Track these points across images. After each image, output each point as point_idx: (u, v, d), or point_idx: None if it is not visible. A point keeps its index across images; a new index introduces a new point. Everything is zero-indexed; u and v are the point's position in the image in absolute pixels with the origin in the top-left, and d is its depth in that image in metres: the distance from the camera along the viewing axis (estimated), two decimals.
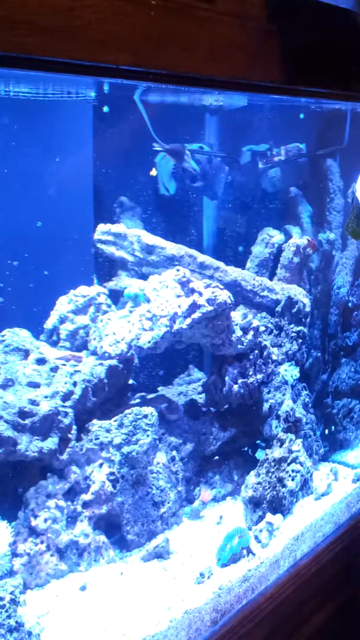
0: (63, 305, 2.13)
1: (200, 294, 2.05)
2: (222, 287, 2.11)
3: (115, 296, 2.24)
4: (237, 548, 1.77)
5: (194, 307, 2.02)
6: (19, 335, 1.93)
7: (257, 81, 1.44)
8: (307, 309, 2.44)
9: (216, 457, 2.19)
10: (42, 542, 1.67)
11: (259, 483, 1.97)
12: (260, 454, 2.11)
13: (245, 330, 2.17)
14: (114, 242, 2.34)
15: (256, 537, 1.86)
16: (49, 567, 1.67)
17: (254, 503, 1.96)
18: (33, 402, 1.74)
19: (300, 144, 2.80)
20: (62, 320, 2.12)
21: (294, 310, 2.41)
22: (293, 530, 1.93)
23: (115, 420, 1.86)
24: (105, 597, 1.61)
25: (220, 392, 2.16)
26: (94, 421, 1.86)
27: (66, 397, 1.81)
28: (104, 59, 1.07)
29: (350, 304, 2.62)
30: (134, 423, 1.86)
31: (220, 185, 2.65)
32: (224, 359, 2.18)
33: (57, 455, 1.74)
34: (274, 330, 2.41)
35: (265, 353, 2.24)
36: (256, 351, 2.22)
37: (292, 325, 2.39)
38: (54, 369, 1.86)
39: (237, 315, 2.18)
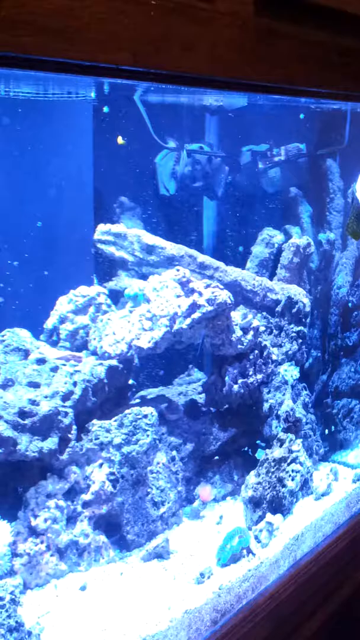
0: (63, 305, 2.13)
1: (200, 294, 2.05)
2: (222, 287, 2.11)
3: (115, 296, 2.24)
4: (237, 548, 1.77)
5: (193, 307, 2.02)
6: (19, 335, 1.94)
7: (257, 81, 1.44)
8: (307, 309, 2.44)
9: (216, 457, 2.18)
10: (42, 542, 1.67)
11: (259, 483, 1.97)
12: (260, 454, 2.11)
13: (245, 330, 2.17)
14: (114, 242, 2.34)
15: (256, 537, 1.86)
16: (49, 567, 1.67)
17: (254, 503, 1.96)
18: (33, 402, 1.74)
19: (300, 144, 2.80)
20: (62, 320, 2.12)
21: (294, 310, 2.41)
22: (293, 530, 1.93)
23: (115, 420, 1.86)
24: (105, 597, 1.61)
25: (220, 392, 2.16)
26: (94, 421, 1.86)
27: (66, 397, 1.81)
28: (103, 59, 1.07)
29: (350, 304, 2.62)
30: (134, 423, 1.86)
31: (220, 185, 2.65)
32: (224, 359, 2.18)
33: (57, 455, 1.74)
34: (274, 330, 2.41)
35: (265, 353, 2.24)
36: (256, 351, 2.22)
37: (292, 325, 2.39)
38: (54, 369, 1.86)
39: (237, 315, 2.18)
